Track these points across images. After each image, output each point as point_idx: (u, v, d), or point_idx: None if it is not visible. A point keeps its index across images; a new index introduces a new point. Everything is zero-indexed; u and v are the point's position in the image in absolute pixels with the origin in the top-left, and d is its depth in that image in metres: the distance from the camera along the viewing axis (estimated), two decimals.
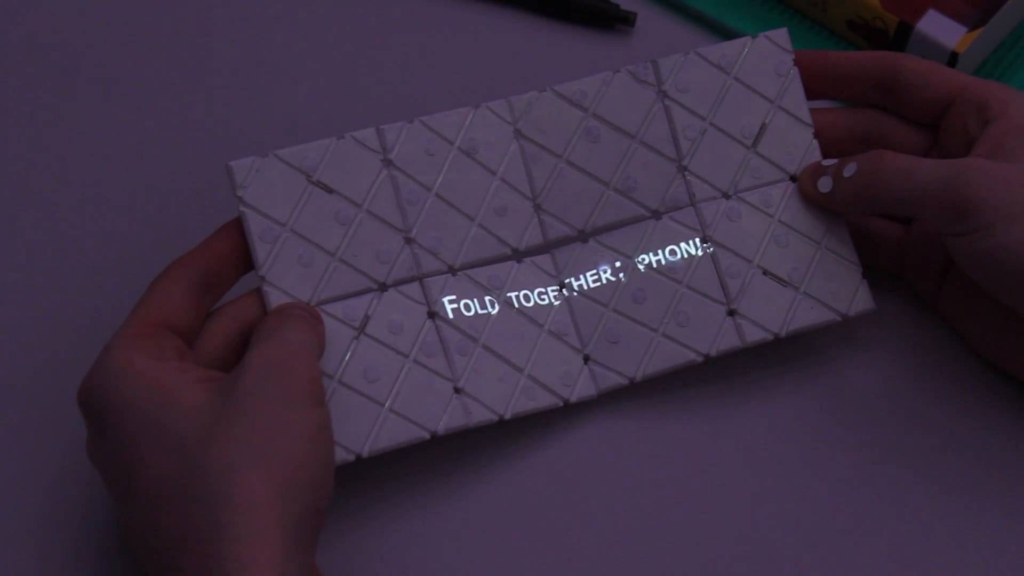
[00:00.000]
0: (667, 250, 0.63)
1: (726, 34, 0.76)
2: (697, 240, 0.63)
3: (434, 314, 0.61)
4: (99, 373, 0.56)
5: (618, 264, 0.63)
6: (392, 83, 0.74)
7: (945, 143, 0.63)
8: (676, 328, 0.62)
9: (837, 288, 0.63)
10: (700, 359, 0.62)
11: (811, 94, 0.65)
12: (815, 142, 0.64)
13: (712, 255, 0.63)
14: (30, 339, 0.66)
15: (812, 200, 0.63)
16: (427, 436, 0.60)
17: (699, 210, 0.63)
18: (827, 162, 0.63)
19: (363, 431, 0.59)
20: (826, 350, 0.65)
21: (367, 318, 0.60)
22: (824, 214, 0.63)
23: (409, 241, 0.61)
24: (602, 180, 0.63)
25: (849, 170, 0.62)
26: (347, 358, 0.60)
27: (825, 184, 0.63)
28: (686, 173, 0.63)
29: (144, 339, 0.57)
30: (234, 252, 0.60)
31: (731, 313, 0.62)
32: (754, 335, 0.62)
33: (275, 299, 0.59)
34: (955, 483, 0.62)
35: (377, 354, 0.60)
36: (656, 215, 0.63)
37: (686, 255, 0.63)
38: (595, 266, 0.62)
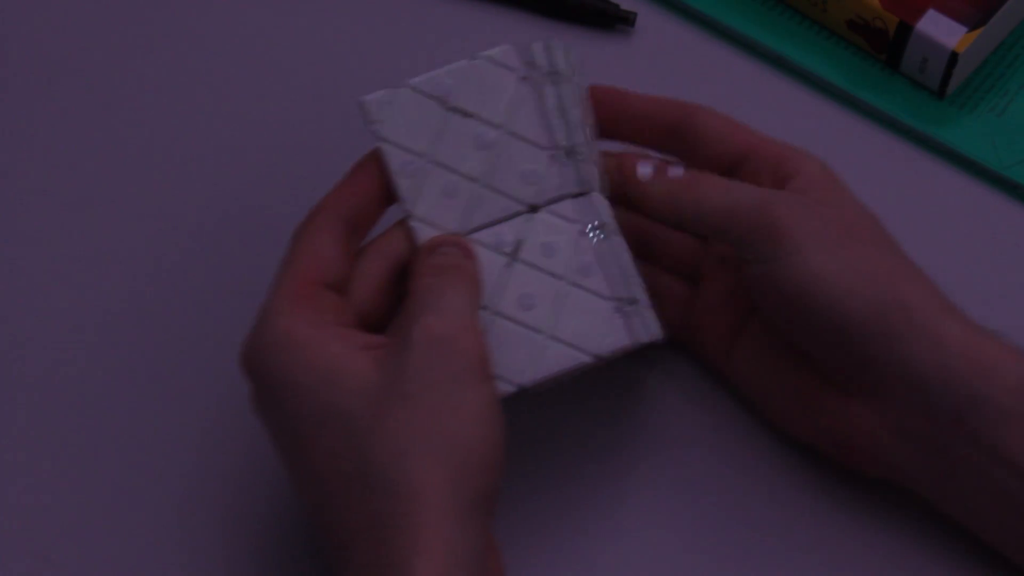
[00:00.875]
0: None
1: (726, 34, 0.76)
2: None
3: (602, 226, 0.59)
4: (261, 341, 0.56)
5: None
6: (391, 83, 0.74)
7: None
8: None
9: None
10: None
11: (605, 133, 0.63)
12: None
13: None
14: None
15: (624, 184, 0.61)
16: (590, 360, 0.58)
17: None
18: (654, 155, 0.62)
19: (523, 361, 0.57)
20: None
21: (519, 243, 0.59)
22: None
23: (562, 154, 0.59)
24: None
25: (674, 171, 0.61)
26: (501, 287, 0.58)
27: (645, 172, 0.61)
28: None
29: (302, 302, 0.56)
30: (374, 189, 0.58)
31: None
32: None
33: (423, 233, 0.58)
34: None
35: (532, 280, 0.58)
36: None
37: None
38: None
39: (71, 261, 0.69)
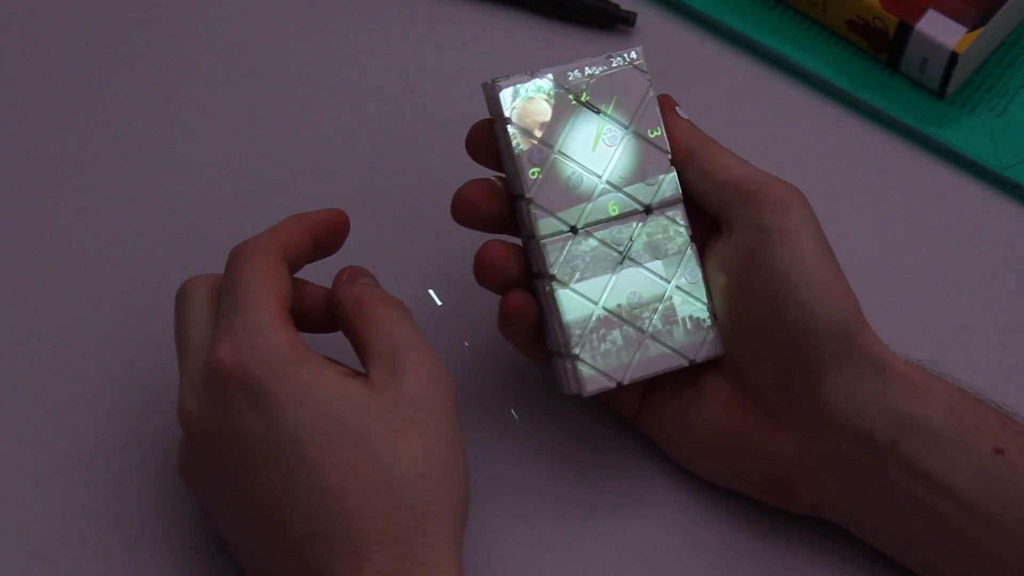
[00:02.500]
0: None
1: (726, 34, 0.76)
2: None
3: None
4: (256, 352, 0.55)
5: None
6: (391, 83, 0.74)
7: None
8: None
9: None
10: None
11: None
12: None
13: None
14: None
15: (666, 110, 0.61)
16: (685, 364, 0.60)
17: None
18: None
19: (623, 358, 0.59)
20: None
21: (631, 242, 0.60)
22: None
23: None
24: None
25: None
26: (610, 284, 0.60)
27: (682, 113, 0.62)
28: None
29: (287, 322, 0.56)
30: (307, 243, 0.60)
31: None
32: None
33: (542, 220, 0.59)
34: None
35: (639, 280, 0.60)
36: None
37: None
38: None
39: (70, 259, 0.69)
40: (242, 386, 0.55)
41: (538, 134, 0.59)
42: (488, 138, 0.60)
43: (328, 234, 0.60)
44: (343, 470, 0.54)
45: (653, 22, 0.76)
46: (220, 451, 0.56)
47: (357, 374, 0.57)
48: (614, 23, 0.75)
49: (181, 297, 0.59)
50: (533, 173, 0.59)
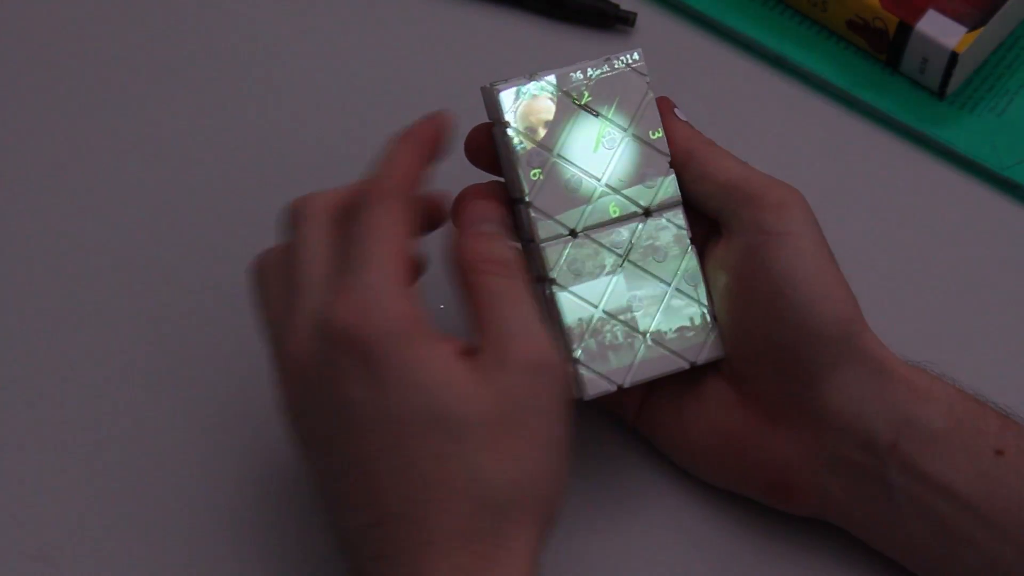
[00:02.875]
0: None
1: (726, 34, 0.76)
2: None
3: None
4: (371, 319, 0.53)
5: None
6: (391, 83, 0.74)
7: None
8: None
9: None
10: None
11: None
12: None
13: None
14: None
15: (665, 112, 0.61)
16: (686, 366, 0.60)
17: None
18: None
19: (624, 361, 0.59)
20: None
21: (631, 244, 0.60)
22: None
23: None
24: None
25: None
26: (610, 287, 0.60)
27: (681, 115, 0.62)
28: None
29: (406, 288, 0.54)
30: (422, 177, 0.58)
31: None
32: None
33: (541, 224, 0.59)
34: None
35: (640, 282, 0.60)
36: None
37: None
38: None
39: (71, 257, 0.69)
40: (353, 352, 0.53)
41: (537, 137, 0.59)
42: (486, 142, 0.60)
43: (438, 152, 0.58)
44: (435, 462, 0.53)
45: (653, 22, 0.76)
46: (323, 406, 0.55)
47: (469, 351, 0.55)
48: (614, 23, 0.75)
49: (298, 218, 0.57)
50: (533, 176, 0.59)
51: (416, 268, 0.57)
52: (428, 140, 0.58)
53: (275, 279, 0.57)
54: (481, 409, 0.53)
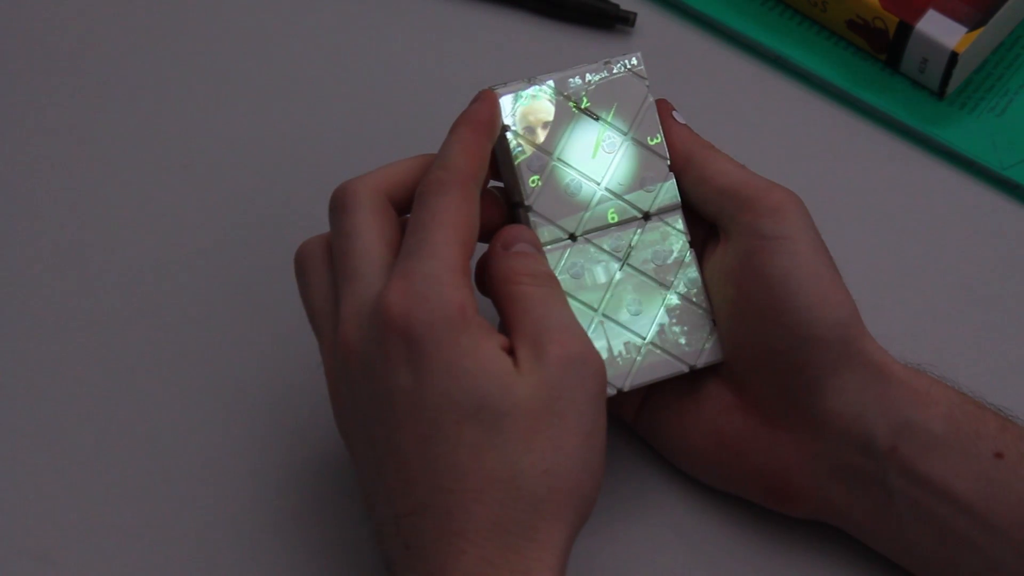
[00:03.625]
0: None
1: (726, 34, 0.76)
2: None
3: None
4: (428, 306, 0.53)
5: None
6: (391, 83, 0.74)
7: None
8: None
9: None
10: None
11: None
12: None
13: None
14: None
15: (664, 116, 0.61)
16: (686, 370, 0.60)
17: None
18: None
19: (623, 365, 0.59)
20: None
21: (631, 248, 0.60)
22: None
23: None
24: None
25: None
26: (610, 291, 0.60)
27: (680, 118, 0.62)
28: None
29: (465, 278, 0.54)
30: (486, 165, 0.58)
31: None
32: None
33: (541, 228, 0.59)
34: None
35: (640, 286, 0.60)
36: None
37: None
38: None
39: (72, 256, 0.69)
40: (403, 338, 0.54)
41: (537, 141, 0.59)
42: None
43: (495, 133, 0.59)
44: (472, 451, 0.53)
45: (653, 22, 0.76)
46: (368, 392, 0.55)
47: (509, 348, 0.55)
48: (614, 23, 0.75)
49: (346, 205, 0.57)
50: (532, 181, 0.59)
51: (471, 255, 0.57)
52: (487, 122, 0.58)
53: (322, 267, 0.58)
54: (520, 401, 0.53)
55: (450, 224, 0.55)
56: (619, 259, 0.60)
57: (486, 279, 0.58)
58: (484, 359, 0.54)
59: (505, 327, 0.56)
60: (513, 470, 0.53)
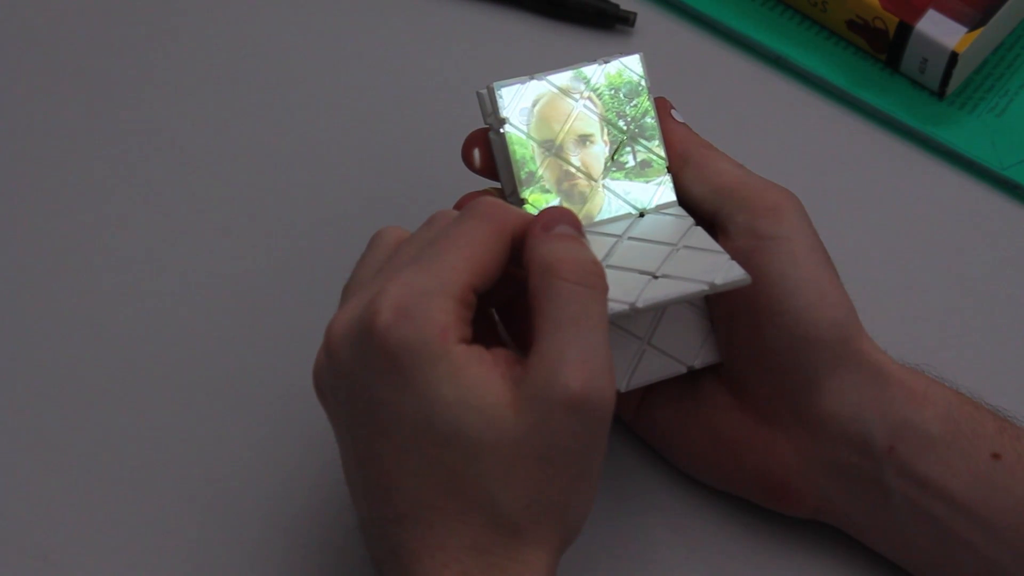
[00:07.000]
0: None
1: (726, 34, 0.76)
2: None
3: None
4: (410, 326, 0.52)
5: None
6: (390, 82, 0.74)
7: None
8: None
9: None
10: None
11: None
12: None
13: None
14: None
15: (662, 114, 0.61)
16: (683, 370, 0.60)
17: None
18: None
19: (621, 366, 0.59)
20: None
21: (628, 230, 0.60)
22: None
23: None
24: None
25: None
26: (611, 253, 0.59)
27: (679, 117, 0.62)
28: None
29: (461, 305, 0.53)
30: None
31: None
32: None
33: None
34: None
35: (643, 247, 0.59)
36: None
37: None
38: None
39: (72, 256, 0.69)
40: (383, 352, 0.52)
41: (535, 136, 0.60)
42: (484, 149, 0.60)
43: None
44: (451, 474, 0.52)
45: (653, 22, 0.76)
46: (350, 394, 0.54)
47: (513, 367, 0.53)
48: (614, 23, 0.75)
49: (381, 235, 0.57)
50: (527, 173, 0.59)
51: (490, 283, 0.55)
52: (519, 235, 0.55)
53: (384, 254, 0.56)
54: (505, 437, 0.52)
55: (468, 253, 0.53)
56: (616, 237, 0.59)
57: (523, 263, 0.54)
58: (467, 388, 0.52)
59: (531, 321, 0.53)
60: (492, 499, 0.52)
